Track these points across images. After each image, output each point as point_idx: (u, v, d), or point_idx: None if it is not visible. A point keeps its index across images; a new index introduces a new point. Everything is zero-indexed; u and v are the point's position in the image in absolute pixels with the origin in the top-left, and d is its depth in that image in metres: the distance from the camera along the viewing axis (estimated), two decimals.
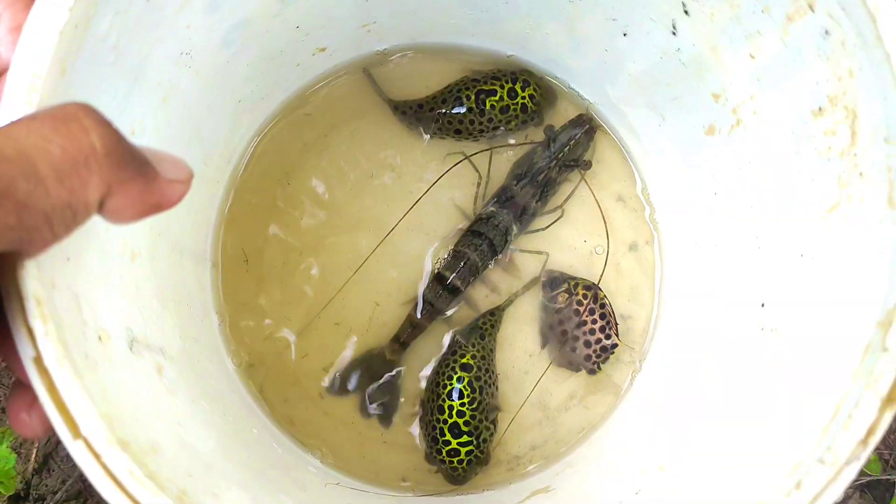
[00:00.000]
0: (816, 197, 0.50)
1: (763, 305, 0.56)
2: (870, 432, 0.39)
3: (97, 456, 0.36)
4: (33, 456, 0.84)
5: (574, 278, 0.76)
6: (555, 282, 0.76)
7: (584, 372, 0.75)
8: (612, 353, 0.75)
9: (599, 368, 0.75)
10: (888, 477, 0.87)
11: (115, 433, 0.36)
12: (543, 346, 0.77)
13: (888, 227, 0.43)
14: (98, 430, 0.36)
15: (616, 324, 0.75)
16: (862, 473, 0.86)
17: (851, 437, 0.39)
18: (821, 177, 0.50)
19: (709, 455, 0.53)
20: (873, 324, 0.41)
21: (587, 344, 0.75)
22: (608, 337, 0.75)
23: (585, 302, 0.74)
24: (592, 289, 0.75)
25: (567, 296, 0.75)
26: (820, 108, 0.49)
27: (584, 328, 0.75)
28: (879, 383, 0.39)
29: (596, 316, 0.75)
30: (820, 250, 0.50)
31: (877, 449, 0.84)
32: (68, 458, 0.83)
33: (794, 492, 0.39)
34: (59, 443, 0.84)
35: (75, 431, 0.36)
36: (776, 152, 0.55)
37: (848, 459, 0.39)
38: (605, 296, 0.76)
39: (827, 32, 0.45)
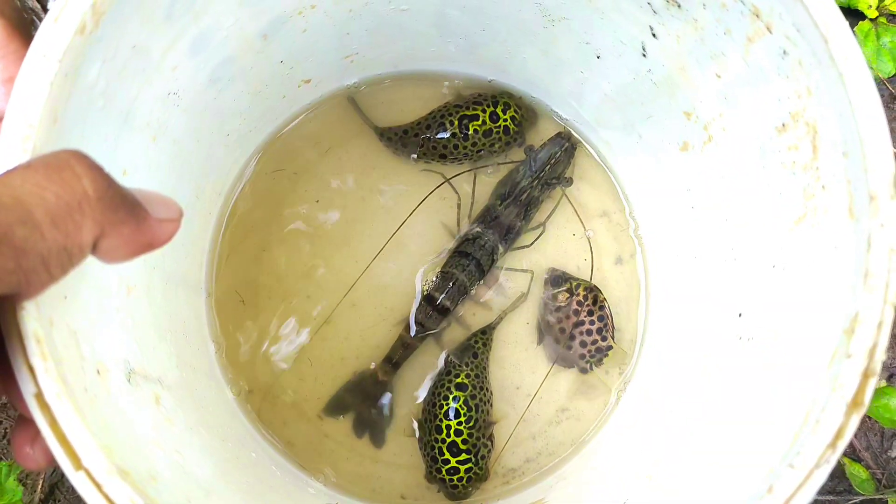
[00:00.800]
0: (784, 209, 0.52)
1: (740, 315, 0.58)
2: (838, 436, 0.41)
3: (98, 486, 0.37)
4: (39, 487, 0.85)
5: (576, 279, 0.78)
6: (556, 280, 0.78)
7: (575, 377, 0.77)
8: (606, 354, 0.77)
9: (592, 369, 0.77)
10: (881, 496, 0.89)
11: (115, 463, 0.38)
12: (540, 341, 0.78)
13: (850, 238, 0.44)
14: (99, 461, 0.38)
15: (613, 327, 0.77)
16: (855, 493, 0.88)
17: (820, 441, 0.41)
18: (788, 190, 0.52)
19: (692, 464, 0.54)
20: (839, 331, 0.43)
21: (583, 344, 0.77)
22: (604, 339, 0.77)
23: (585, 303, 0.76)
24: (593, 290, 0.77)
25: (568, 295, 0.77)
26: (783, 125, 0.51)
27: (582, 328, 0.76)
28: (845, 388, 0.41)
29: (594, 317, 0.77)
30: (790, 261, 0.52)
31: (869, 468, 0.86)
32: (74, 488, 0.84)
33: (765, 496, 0.41)
34: (64, 474, 0.86)
35: (77, 463, 0.37)
36: (746, 167, 0.57)
37: (817, 463, 0.41)
38: (604, 298, 0.78)
39: (785, 52, 0.47)
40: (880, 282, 0.41)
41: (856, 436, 0.89)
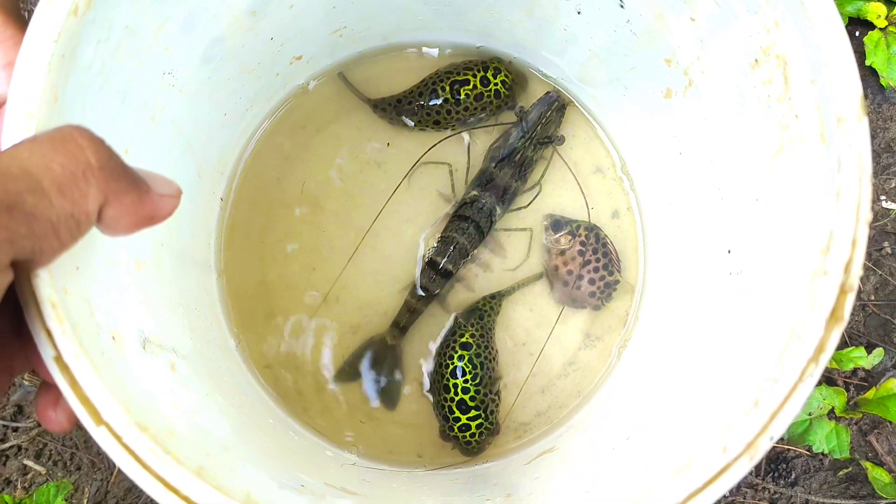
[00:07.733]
0: (763, 143, 0.54)
1: (730, 252, 0.60)
2: (819, 349, 0.42)
3: (118, 438, 0.40)
4: None
5: (576, 221, 0.80)
6: (557, 225, 0.80)
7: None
8: (615, 288, 0.79)
9: (604, 304, 0.79)
10: None
11: (134, 418, 0.40)
12: (552, 287, 0.80)
13: (823, 162, 0.46)
14: (118, 416, 0.40)
15: (618, 260, 0.79)
16: (878, 496, 0.89)
17: (802, 355, 0.42)
18: (765, 124, 0.53)
19: (689, 395, 0.56)
20: (818, 252, 0.45)
21: (591, 282, 0.79)
22: (611, 273, 0.79)
23: (588, 242, 0.78)
24: (594, 229, 0.79)
25: (570, 237, 0.79)
26: (756, 60, 0.52)
27: (588, 267, 0.78)
28: (824, 304, 0.43)
29: (599, 255, 0.79)
30: (771, 193, 0.53)
31: (892, 472, 0.87)
32: None
33: (752, 410, 0.42)
34: (108, 492, 0.89)
35: (97, 419, 0.40)
36: (726, 106, 0.58)
37: (801, 377, 0.42)
38: (605, 235, 0.80)
39: None
40: (851, 200, 0.43)
41: (877, 440, 0.90)
